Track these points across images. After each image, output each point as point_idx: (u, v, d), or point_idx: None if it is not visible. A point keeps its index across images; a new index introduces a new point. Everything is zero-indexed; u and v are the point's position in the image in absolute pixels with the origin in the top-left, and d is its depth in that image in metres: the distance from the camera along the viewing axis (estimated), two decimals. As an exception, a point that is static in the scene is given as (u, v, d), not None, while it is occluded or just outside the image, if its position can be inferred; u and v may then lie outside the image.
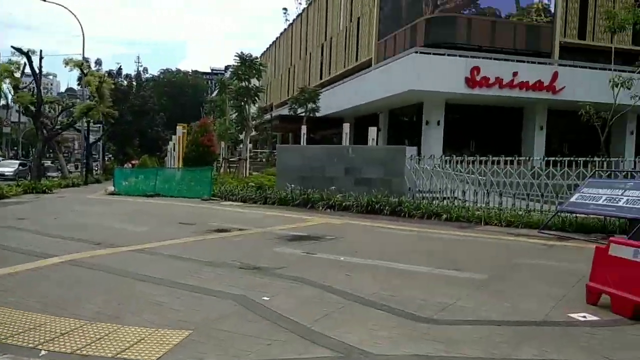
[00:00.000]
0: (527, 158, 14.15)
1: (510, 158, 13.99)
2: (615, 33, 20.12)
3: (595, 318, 4.55)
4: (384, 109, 32.81)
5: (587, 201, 9.98)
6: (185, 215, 12.95)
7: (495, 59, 27.52)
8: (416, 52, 26.43)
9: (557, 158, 12.67)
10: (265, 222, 11.24)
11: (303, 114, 35.33)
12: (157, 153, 44.17)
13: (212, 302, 4.81)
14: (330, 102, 35.01)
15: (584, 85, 26.53)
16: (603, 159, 12.75)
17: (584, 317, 4.57)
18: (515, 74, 26.82)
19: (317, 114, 35.70)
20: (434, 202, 13.47)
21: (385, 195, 13.82)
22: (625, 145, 29.33)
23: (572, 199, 10.38)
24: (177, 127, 28.25)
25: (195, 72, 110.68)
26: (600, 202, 9.66)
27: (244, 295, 5.02)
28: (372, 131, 22.66)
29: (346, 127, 24.63)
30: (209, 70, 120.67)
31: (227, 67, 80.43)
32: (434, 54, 26.47)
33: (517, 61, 27.71)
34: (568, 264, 7.16)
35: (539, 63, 28.39)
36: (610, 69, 27.93)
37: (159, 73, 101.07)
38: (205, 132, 24.13)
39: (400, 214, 12.87)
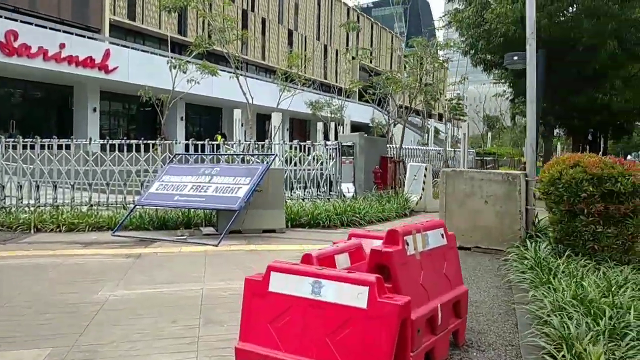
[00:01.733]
0: (90, 140, 11.48)
1: (67, 142, 11.01)
2: (171, 13, 19.49)
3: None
4: None
5: (170, 191, 8.26)
6: None
7: (38, 25, 23.01)
8: None
9: (124, 141, 10.61)
10: None
11: None
12: None
13: None
14: None
15: (138, 67, 25.51)
16: (163, 142, 11.61)
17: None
18: (62, 46, 23.08)
19: None
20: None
21: None
22: (177, 130, 30.22)
23: (152, 190, 8.48)
24: None
25: None
26: (186, 191, 8.11)
27: None
28: None
29: None
30: None
31: None
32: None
33: (65, 32, 24.06)
34: (184, 296, 5.12)
35: (89, 38, 25.53)
36: (165, 56, 28.09)
37: None
38: None
39: None
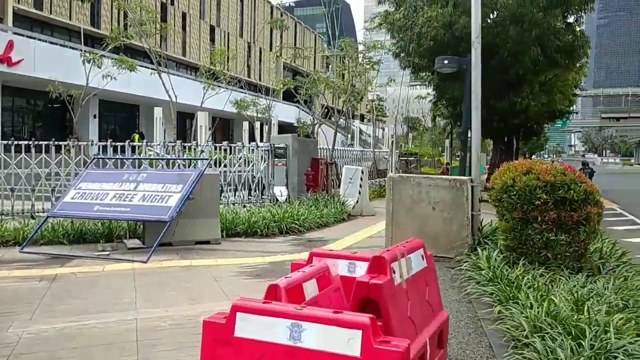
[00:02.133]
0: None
1: None
2: (83, 3, 17.93)
3: None
4: None
5: (89, 200, 7.34)
6: None
7: None
8: None
9: (31, 142, 9.47)
10: None
11: None
12: None
13: None
14: None
15: (46, 61, 23.43)
16: (76, 143, 10.52)
17: None
18: (-44, 34, 20.68)
19: None
20: None
21: None
22: (90, 129, 28.13)
23: (67, 199, 7.49)
24: None
25: None
26: (108, 200, 7.22)
27: None
28: None
29: None
30: None
31: None
32: None
33: (-42, 18, 21.57)
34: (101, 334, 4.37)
35: (-12, 26, 23.08)
36: (76, 49, 25.97)
37: None
38: None
39: None
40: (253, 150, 13.08)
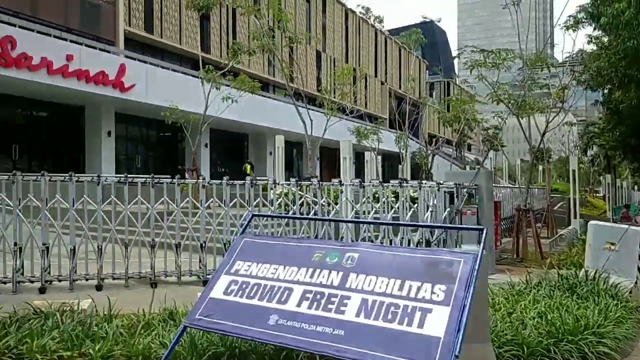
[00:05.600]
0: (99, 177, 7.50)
1: (91, 176, 7.26)
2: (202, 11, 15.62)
3: None
4: None
5: (256, 299, 3.99)
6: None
7: (40, 32, 19.32)
8: None
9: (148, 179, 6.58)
10: None
11: None
12: None
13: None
14: None
15: (158, 86, 21.73)
16: (203, 179, 7.64)
17: None
18: (70, 57, 19.28)
19: None
20: None
21: None
22: (201, 158, 26.19)
23: (216, 292, 4.19)
24: None
25: None
26: (293, 304, 3.81)
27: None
28: None
29: None
30: None
31: None
32: None
33: (73, 42, 20.35)
34: None
35: (100, 50, 21.77)
36: (188, 74, 24.27)
37: None
38: None
39: None
40: (427, 189, 9.51)
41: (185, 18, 29.31)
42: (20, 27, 18.50)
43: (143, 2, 27.07)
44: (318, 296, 3.84)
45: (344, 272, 3.96)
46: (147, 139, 27.09)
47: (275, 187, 9.15)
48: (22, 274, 7.23)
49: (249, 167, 25.03)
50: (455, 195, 9.41)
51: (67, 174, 7.51)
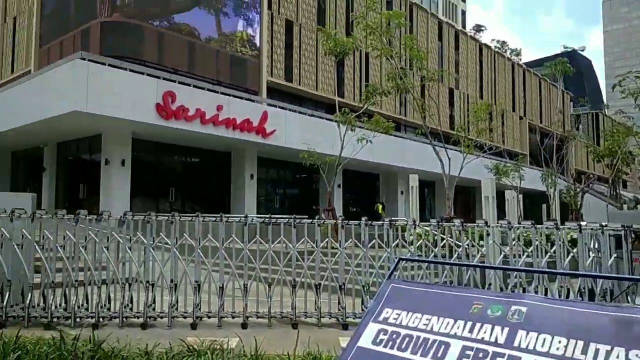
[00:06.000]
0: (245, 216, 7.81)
1: (239, 217, 7.66)
2: (339, 57, 16.16)
3: None
4: (50, 141, 22.90)
5: (407, 353, 3.66)
6: None
7: (195, 86, 21.45)
8: (83, 59, 18.05)
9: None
10: None
11: None
12: None
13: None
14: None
15: (295, 130, 22.78)
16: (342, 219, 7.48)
17: None
18: (220, 107, 21.12)
19: None
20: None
21: None
22: (335, 199, 26.68)
23: (364, 341, 3.88)
24: None
25: None
26: (452, 363, 3.46)
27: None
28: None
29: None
30: None
31: None
32: (110, 65, 18.64)
33: (222, 94, 22.26)
34: None
35: (246, 99, 23.53)
36: (323, 117, 25.23)
37: None
38: None
39: None
40: (589, 232, 8.45)
41: (321, 65, 30.75)
42: (179, 82, 20.70)
43: (284, 54, 28.99)
44: (481, 354, 3.40)
45: (510, 327, 3.48)
46: (284, 180, 28.41)
47: (414, 227, 8.80)
48: (177, 309, 7.68)
49: (380, 207, 24.87)
50: (623, 239, 8.24)
51: (217, 215, 7.95)
